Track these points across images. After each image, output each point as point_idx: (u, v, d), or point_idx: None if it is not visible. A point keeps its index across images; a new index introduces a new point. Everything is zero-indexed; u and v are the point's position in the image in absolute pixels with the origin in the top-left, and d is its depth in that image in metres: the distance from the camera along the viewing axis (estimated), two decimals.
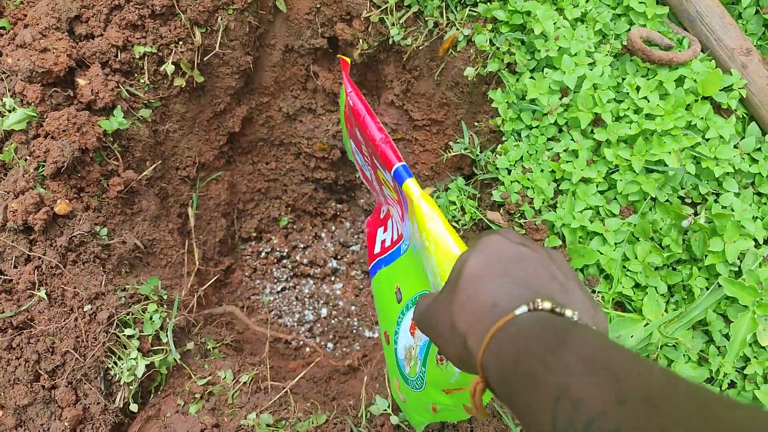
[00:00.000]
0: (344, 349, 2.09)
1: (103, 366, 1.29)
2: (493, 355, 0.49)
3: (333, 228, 2.29)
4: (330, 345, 2.11)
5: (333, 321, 2.15)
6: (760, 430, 0.32)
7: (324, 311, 2.17)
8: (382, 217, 1.43)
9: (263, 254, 2.22)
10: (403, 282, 1.21)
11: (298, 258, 2.24)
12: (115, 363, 1.31)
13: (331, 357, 2.02)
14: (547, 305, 0.49)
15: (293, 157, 2.07)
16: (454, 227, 1.51)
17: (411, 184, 1.06)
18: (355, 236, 2.27)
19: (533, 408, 0.43)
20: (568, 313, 0.49)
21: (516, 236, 0.62)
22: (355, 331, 2.14)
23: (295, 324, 2.15)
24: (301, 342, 2.07)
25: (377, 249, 1.39)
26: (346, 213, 2.30)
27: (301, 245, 2.26)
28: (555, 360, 0.43)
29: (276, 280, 2.21)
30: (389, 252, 1.32)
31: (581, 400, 0.39)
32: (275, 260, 2.22)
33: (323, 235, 2.27)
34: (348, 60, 1.41)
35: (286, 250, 2.24)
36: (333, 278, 2.23)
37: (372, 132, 1.21)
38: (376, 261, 1.37)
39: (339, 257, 2.25)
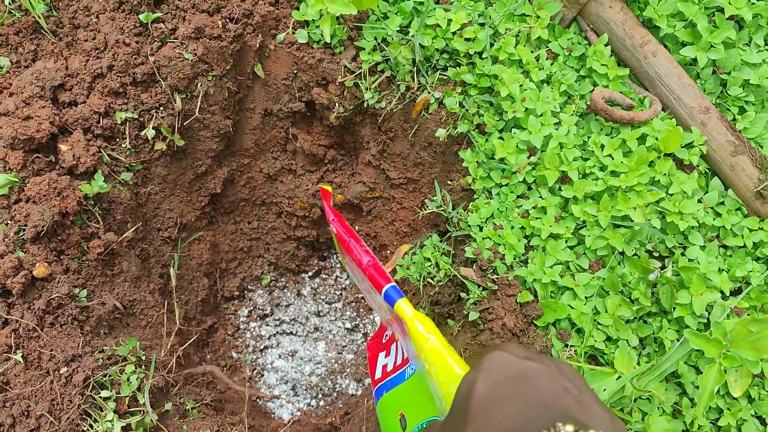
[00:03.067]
0: (327, 407, 2.08)
1: (78, 429, 1.29)
2: None
3: (316, 285, 2.30)
4: (313, 403, 2.10)
5: (316, 378, 2.15)
6: None
7: (307, 369, 2.16)
8: (384, 341, 1.39)
9: (246, 313, 2.23)
10: (407, 408, 1.16)
11: (281, 316, 2.25)
12: (91, 426, 1.30)
13: (313, 415, 2.01)
14: (570, 429, 0.47)
15: (275, 216, 2.10)
16: (429, 284, 1.54)
17: (403, 305, 1.03)
18: (338, 293, 2.29)
19: None
20: None
21: (520, 350, 0.59)
22: (338, 388, 2.13)
23: (279, 382, 2.14)
24: (282, 401, 2.06)
25: (378, 374, 1.34)
26: (329, 270, 2.32)
27: (284, 303, 2.27)
28: None
29: (259, 338, 2.22)
30: (391, 377, 1.27)
31: None
32: (258, 318, 2.23)
33: (306, 292, 2.29)
34: (329, 188, 1.42)
35: (269, 308, 2.25)
36: (316, 335, 2.23)
37: (358, 256, 1.22)
38: (377, 387, 1.34)
39: (322, 314, 2.26)
